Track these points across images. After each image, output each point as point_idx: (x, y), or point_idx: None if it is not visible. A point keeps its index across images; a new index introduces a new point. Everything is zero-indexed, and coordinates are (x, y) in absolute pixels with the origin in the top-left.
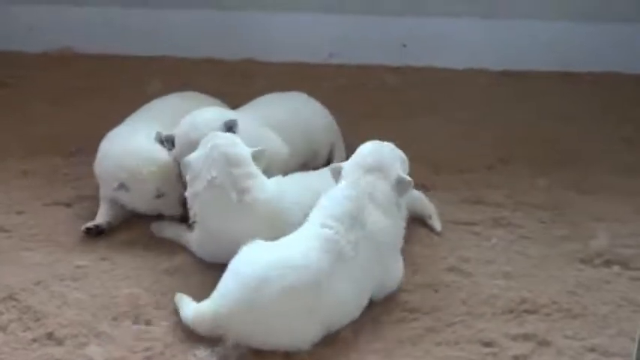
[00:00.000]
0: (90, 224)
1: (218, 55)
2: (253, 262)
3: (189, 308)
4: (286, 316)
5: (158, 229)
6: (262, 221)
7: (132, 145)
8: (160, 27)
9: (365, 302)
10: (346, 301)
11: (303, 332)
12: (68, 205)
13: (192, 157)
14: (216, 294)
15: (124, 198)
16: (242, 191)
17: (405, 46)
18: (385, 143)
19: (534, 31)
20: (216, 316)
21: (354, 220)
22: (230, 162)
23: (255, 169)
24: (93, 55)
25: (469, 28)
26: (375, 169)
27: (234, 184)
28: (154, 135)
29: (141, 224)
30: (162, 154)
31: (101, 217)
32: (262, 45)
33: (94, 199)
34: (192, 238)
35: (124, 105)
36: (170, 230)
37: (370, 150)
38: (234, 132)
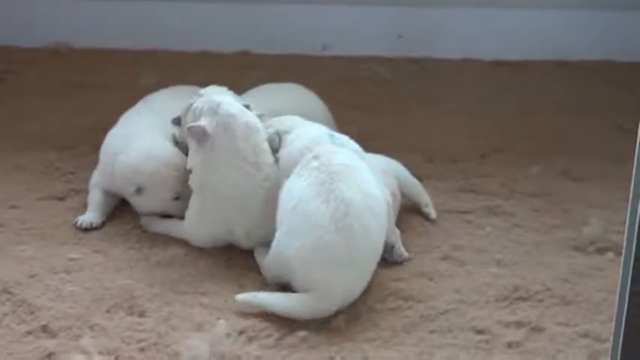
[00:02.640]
0: (86, 224)
1: (212, 48)
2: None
3: None
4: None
5: (147, 224)
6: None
7: (149, 148)
8: (154, 20)
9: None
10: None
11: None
12: (61, 198)
13: (207, 125)
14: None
15: (139, 201)
16: (259, 153)
17: (400, 37)
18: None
19: (529, 20)
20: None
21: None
22: (251, 129)
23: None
24: (87, 49)
25: (464, 18)
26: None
27: (254, 148)
28: (165, 134)
29: (134, 216)
30: (179, 155)
31: (94, 211)
32: (256, 37)
33: (87, 193)
34: (185, 221)
35: (118, 99)
36: (159, 224)
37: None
38: None
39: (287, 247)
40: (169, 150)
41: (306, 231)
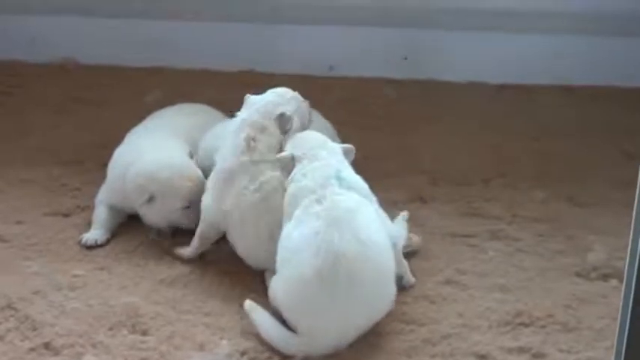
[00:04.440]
0: (90, 241)
1: (218, 67)
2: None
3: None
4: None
5: (182, 253)
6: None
7: (163, 158)
8: (161, 38)
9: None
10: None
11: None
12: (67, 215)
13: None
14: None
15: (149, 210)
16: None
17: (405, 58)
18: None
19: (534, 44)
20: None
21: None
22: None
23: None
24: (94, 65)
25: (469, 41)
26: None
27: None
28: (177, 148)
29: (139, 234)
30: (193, 166)
31: (99, 229)
32: (263, 57)
33: (93, 209)
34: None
35: (124, 115)
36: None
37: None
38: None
39: (277, 291)
40: (183, 160)
41: (293, 281)
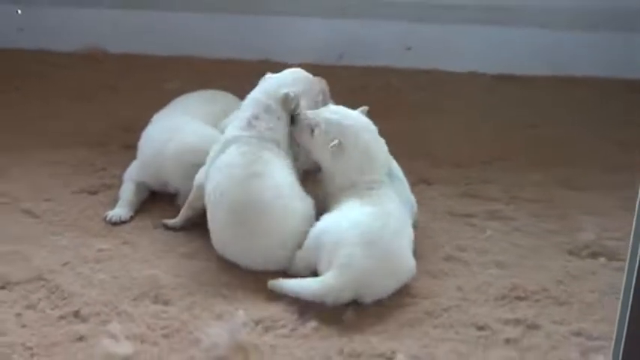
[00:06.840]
0: (115, 218)
1: (235, 56)
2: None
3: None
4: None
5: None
6: None
7: (199, 132)
8: (182, 29)
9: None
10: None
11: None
12: (93, 192)
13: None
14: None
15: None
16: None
17: (409, 49)
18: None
19: (532, 38)
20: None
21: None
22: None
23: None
24: (118, 54)
25: (471, 33)
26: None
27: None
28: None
29: (161, 211)
30: None
31: (123, 207)
32: (277, 47)
33: (117, 188)
34: None
35: (145, 101)
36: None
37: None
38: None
39: (325, 224)
40: (217, 133)
41: (347, 215)
